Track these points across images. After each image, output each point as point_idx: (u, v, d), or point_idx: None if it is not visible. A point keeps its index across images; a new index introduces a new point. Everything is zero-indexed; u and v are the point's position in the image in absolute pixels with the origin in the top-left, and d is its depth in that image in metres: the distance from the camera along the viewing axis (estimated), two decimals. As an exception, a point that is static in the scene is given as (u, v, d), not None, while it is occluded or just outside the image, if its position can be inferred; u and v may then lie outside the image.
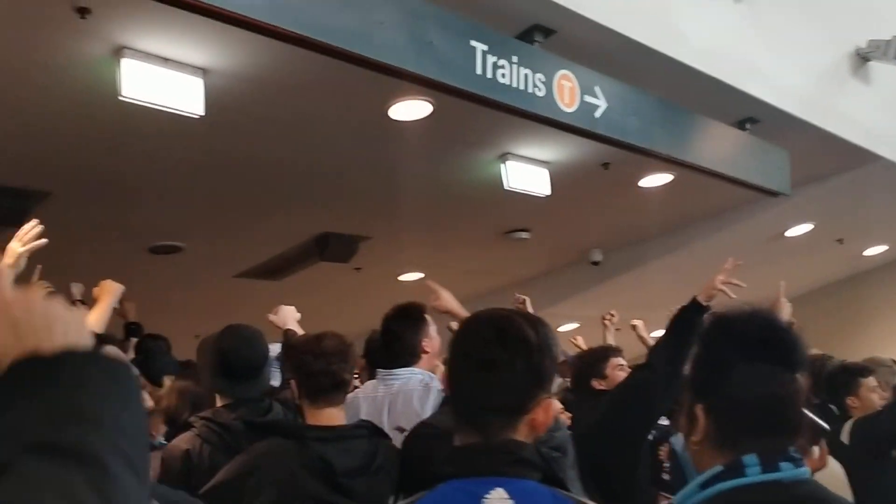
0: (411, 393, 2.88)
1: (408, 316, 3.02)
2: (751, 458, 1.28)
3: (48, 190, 5.31)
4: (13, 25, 3.68)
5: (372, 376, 3.21)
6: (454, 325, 5.17)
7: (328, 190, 6.23)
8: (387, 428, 2.72)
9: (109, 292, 3.10)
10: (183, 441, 2.66)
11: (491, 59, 4.00)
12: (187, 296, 8.32)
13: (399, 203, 6.46)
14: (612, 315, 5.15)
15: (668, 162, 5.35)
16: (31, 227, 2.65)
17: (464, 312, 2.98)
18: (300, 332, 3.39)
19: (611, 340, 4.61)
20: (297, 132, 5.14)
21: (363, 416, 2.81)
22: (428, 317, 3.03)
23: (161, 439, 3.37)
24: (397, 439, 2.55)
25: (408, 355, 2.98)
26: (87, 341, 0.79)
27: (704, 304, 2.96)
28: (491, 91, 4.01)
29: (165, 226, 6.64)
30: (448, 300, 3.05)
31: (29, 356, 0.74)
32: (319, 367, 2.31)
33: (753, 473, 1.27)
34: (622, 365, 3.53)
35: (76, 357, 0.75)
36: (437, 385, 2.89)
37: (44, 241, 2.64)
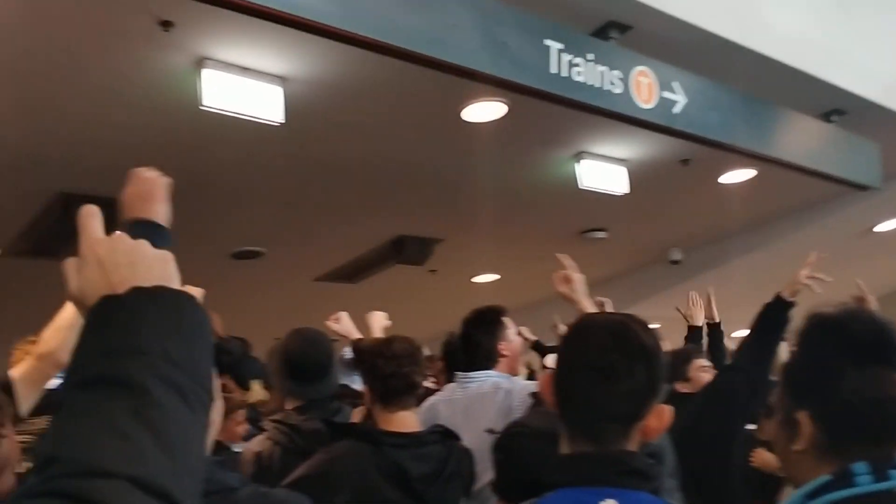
0: (487, 396, 2.87)
1: (485, 320, 3.00)
2: (861, 467, 1.21)
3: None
4: (99, 39, 3.81)
5: (451, 379, 3.21)
6: (561, 326, 5.10)
7: (403, 193, 6.27)
8: (466, 431, 2.71)
9: None
10: (255, 444, 2.71)
11: (566, 57, 3.95)
12: (268, 300, 8.49)
13: (473, 205, 6.47)
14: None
15: (750, 157, 5.21)
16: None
17: (587, 303, 2.82)
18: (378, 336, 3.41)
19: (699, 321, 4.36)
20: (372, 136, 5.19)
21: (442, 420, 2.81)
22: (506, 320, 3.01)
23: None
24: (487, 441, 2.54)
25: (485, 359, 2.97)
26: (168, 280, 0.80)
27: (789, 299, 2.85)
28: (566, 90, 3.96)
29: (247, 231, 6.79)
30: (579, 286, 2.85)
31: (105, 296, 0.76)
32: (390, 369, 2.31)
33: (865, 483, 1.20)
34: (706, 366, 3.43)
35: (140, 294, 0.76)
36: (514, 386, 2.86)
37: None
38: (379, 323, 3.57)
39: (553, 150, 5.73)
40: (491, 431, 2.62)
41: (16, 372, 2.18)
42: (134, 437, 0.66)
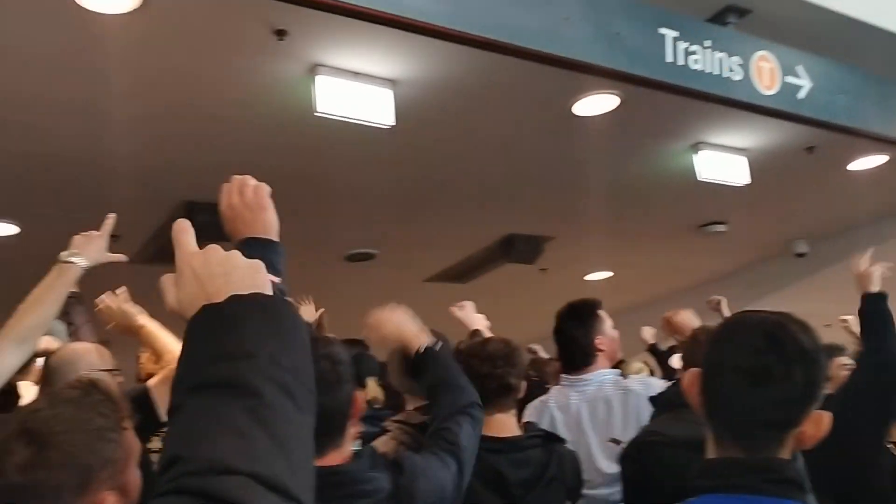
0: (610, 399, 2.77)
1: (580, 314, 2.90)
2: None
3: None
4: (216, 50, 3.93)
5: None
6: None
7: (513, 191, 6.23)
8: (593, 438, 2.64)
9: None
10: (379, 444, 2.71)
11: (682, 45, 3.83)
12: (380, 301, 8.59)
13: (584, 201, 6.36)
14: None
15: (882, 142, 4.90)
16: None
17: (693, 324, 2.81)
18: (488, 334, 3.38)
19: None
20: (482, 135, 5.17)
21: (561, 427, 2.74)
22: (602, 313, 2.91)
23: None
24: (612, 452, 2.47)
25: (581, 355, 2.87)
26: (261, 287, 0.83)
27: (876, 292, 2.68)
28: (683, 79, 3.83)
29: (360, 234, 6.90)
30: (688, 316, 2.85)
31: (204, 305, 0.79)
32: (485, 370, 2.27)
33: None
34: (846, 364, 3.24)
35: (239, 301, 0.79)
36: (636, 387, 2.77)
37: None
38: (475, 314, 3.53)
39: (668, 141, 5.56)
40: (615, 442, 2.53)
41: (153, 382, 2.33)
42: (251, 435, 0.69)
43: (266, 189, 1.23)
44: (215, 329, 0.77)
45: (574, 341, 2.84)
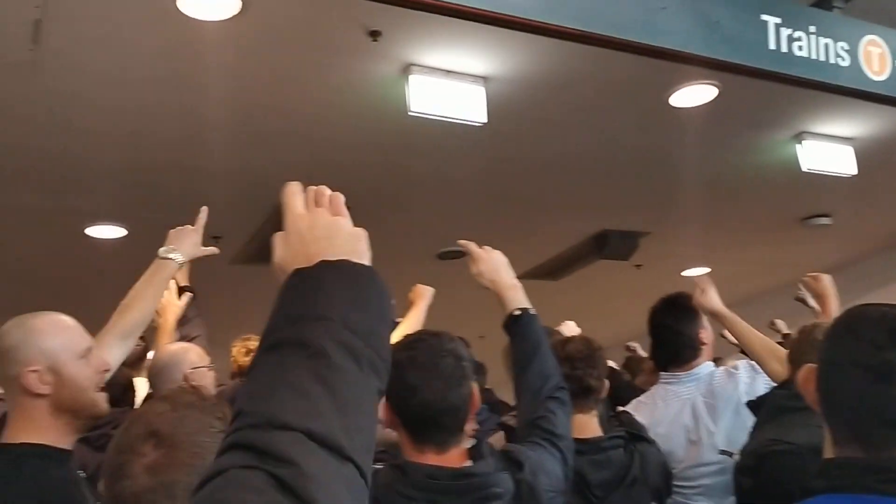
0: (720, 391, 2.70)
1: (681, 306, 2.83)
2: None
3: (348, 205, 5.73)
4: (311, 53, 4.00)
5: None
6: (779, 322, 4.77)
7: (606, 186, 6.13)
8: (704, 432, 2.57)
9: (423, 296, 3.26)
10: (494, 440, 2.73)
11: (785, 31, 3.68)
12: (473, 299, 8.60)
13: (680, 195, 6.21)
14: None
15: None
16: None
17: (729, 314, 2.73)
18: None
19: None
20: (574, 130, 5.11)
21: (664, 425, 2.68)
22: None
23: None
24: (725, 463, 2.41)
25: (689, 349, 2.80)
26: (359, 255, 0.86)
27: None
28: (786, 66, 3.68)
29: (451, 232, 6.89)
30: (714, 299, 2.77)
31: (295, 269, 0.82)
32: (564, 371, 2.24)
33: None
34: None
35: (325, 267, 0.82)
36: (741, 376, 2.68)
37: None
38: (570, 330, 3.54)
39: (769, 131, 5.37)
40: (727, 454, 2.46)
41: None
42: (312, 393, 0.71)
43: (342, 198, 1.25)
44: (299, 291, 0.80)
45: (679, 335, 2.78)
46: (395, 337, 3.11)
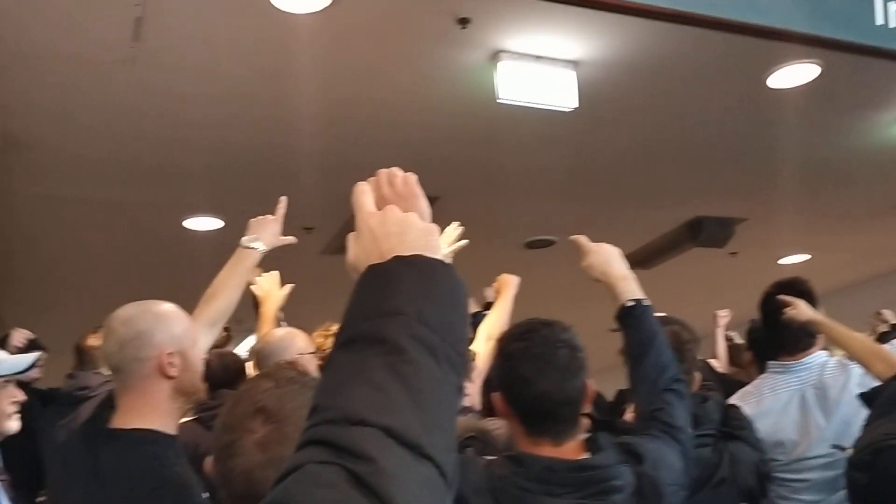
0: (831, 382, 2.59)
1: (798, 291, 2.72)
2: None
3: (437, 195, 5.76)
4: (401, 42, 4.02)
5: (762, 370, 2.95)
6: (887, 312, 4.59)
7: (700, 172, 5.97)
8: (821, 423, 2.48)
9: (509, 285, 3.24)
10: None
11: (893, 6, 3.50)
12: (559, 288, 8.53)
13: (778, 179, 5.99)
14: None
15: None
16: (454, 229, 2.78)
17: (825, 321, 2.61)
18: None
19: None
20: (667, 115, 4.99)
21: (773, 417, 2.60)
22: None
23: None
24: (834, 457, 2.32)
25: (807, 336, 2.69)
26: (431, 250, 0.85)
27: None
28: (895, 42, 3.50)
29: (539, 220, 6.86)
30: (806, 310, 2.64)
31: (370, 265, 0.82)
32: None
33: None
34: None
35: (399, 262, 0.81)
36: (854, 368, 2.57)
37: (465, 241, 2.75)
38: None
39: (874, 112, 5.13)
40: (840, 448, 2.37)
41: None
42: (389, 389, 0.70)
43: (414, 178, 1.27)
44: (373, 287, 0.81)
45: (793, 322, 2.67)
46: (485, 326, 3.11)
